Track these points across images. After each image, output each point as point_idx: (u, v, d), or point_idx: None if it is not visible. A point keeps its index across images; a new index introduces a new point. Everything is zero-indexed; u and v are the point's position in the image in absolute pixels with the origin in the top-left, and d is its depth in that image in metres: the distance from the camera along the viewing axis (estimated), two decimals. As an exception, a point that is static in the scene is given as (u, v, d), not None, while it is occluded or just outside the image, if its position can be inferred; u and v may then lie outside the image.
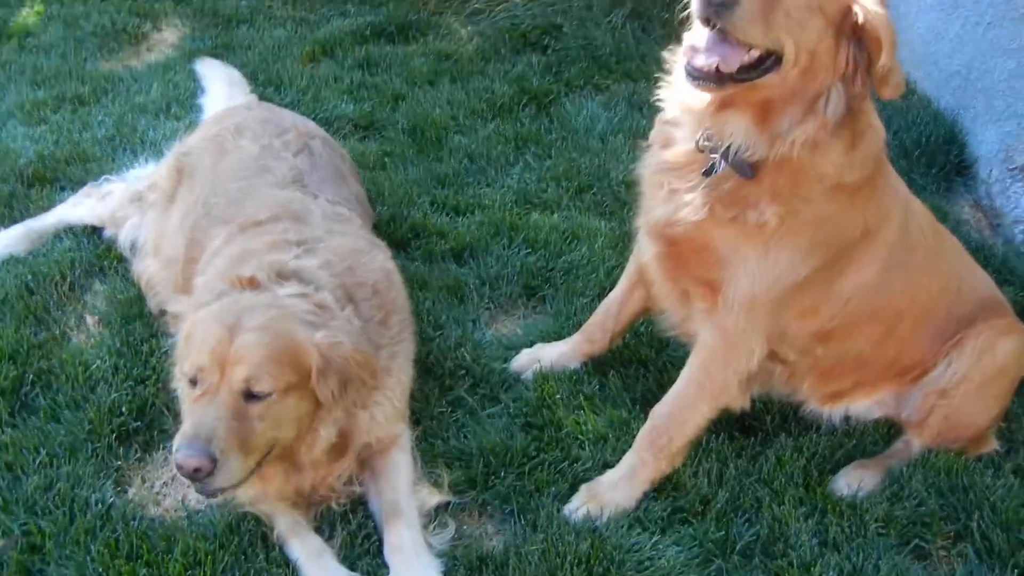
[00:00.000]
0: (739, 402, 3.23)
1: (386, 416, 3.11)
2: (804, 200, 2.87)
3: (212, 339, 2.73)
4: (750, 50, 2.66)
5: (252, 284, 2.97)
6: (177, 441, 2.68)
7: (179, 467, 2.63)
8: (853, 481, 3.33)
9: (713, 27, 2.62)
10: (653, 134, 3.17)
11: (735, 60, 2.66)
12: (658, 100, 3.10)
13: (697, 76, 2.68)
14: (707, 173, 2.91)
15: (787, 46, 2.65)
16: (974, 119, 4.96)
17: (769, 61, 2.68)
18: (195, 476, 2.62)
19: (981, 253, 4.35)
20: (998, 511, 3.21)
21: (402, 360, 3.21)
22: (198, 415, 2.69)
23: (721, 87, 2.71)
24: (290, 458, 2.93)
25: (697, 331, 3.18)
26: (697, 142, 2.93)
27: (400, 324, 3.24)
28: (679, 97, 2.99)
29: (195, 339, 2.78)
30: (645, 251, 3.24)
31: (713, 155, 2.89)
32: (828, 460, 3.42)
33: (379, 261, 3.42)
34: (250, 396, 2.71)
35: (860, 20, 2.65)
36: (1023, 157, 4.47)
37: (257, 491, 2.95)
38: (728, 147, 2.83)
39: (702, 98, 2.86)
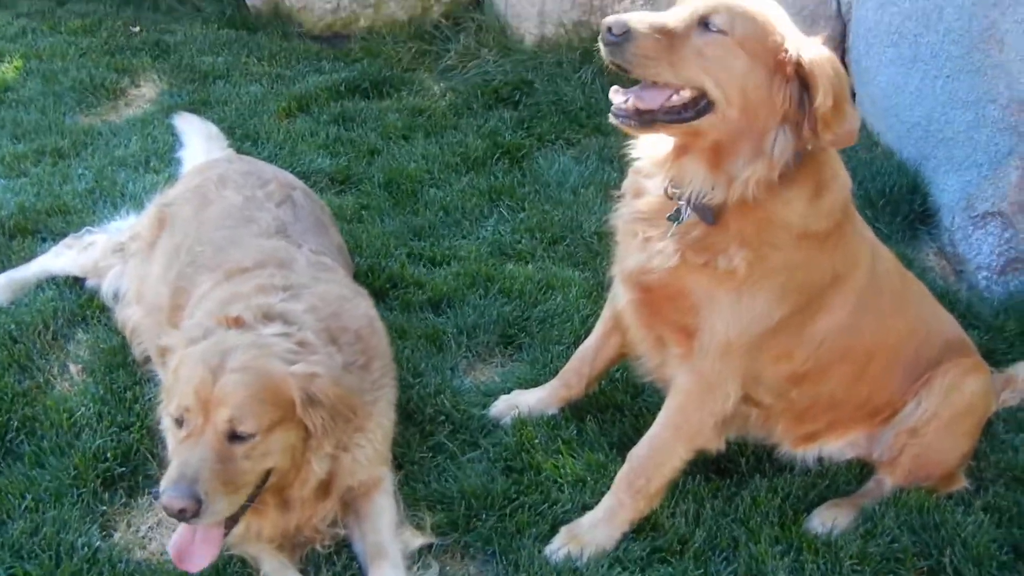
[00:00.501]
0: (714, 444, 3.31)
1: (368, 459, 3.16)
2: (772, 247, 2.97)
3: (196, 380, 2.79)
4: (678, 91, 2.79)
5: (238, 323, 3.04)
6: (164, 483, 2.73)
7: (166, 508, 2.69)
8: (827, 520, 3.39)
9: (617, 67, 2.77)
10: (625, 184, 3.28)
11: (655, 100, 2.80)
12: (628, 152, 3.23)
13: (618, 115, 2.82)
14: (673, 218, 3.01)
15: (707, 85, 2.76)
16: (935, 169, 5.11)
17: (704, 102, 2.79)
18: (181, 517, 2.67)
19: (946, 299, 4.45)
20: (969, 547, 3.27)
21: (383, 405, 3.28)
22: (184, 457, 2.74)
23: (647, 127, 2.85)
24: (281, 495, 2.98)
25: (673, 376, 3.26)
26: (665, 190, 3.04)
27: (382, 370, 3.30)
28: (646, 148, 3.12)
29: (181, 378, 2.84)
30: (620, 298, 3.33)
31: (680, 202, 3.00)
32: (802, 500, 3.48)
33: (362, 308, 3.49)
34: (235, 437, 2.77)
35: (794, 59, 2.75)
36: (984, 205, 4.61)
37: (246, 530, 2.99)
38: (690, 193, 2.95)
39: (664, 147, 3.00)
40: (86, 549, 3.08)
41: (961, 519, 3.39)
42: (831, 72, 2.76)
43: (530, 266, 4.70)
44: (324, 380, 2.90)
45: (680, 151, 2.96)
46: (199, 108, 5.84)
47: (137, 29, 7.30)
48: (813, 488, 3.54)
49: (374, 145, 5.79)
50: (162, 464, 3.26)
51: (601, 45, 2.78)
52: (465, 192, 5.32)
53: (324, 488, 3.06)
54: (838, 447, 3.63)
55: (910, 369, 3.47)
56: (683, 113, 2.83)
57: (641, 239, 3.13)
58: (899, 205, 5.10)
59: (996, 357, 4.18)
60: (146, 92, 6.48)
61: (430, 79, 6.72)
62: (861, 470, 3.63)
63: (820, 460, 3.64)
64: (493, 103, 6.35)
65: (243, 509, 2.84)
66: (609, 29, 2.73)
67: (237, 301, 3.23)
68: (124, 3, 7.81)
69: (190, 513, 2.66)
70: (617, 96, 2.86)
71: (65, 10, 7.73)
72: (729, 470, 3.62)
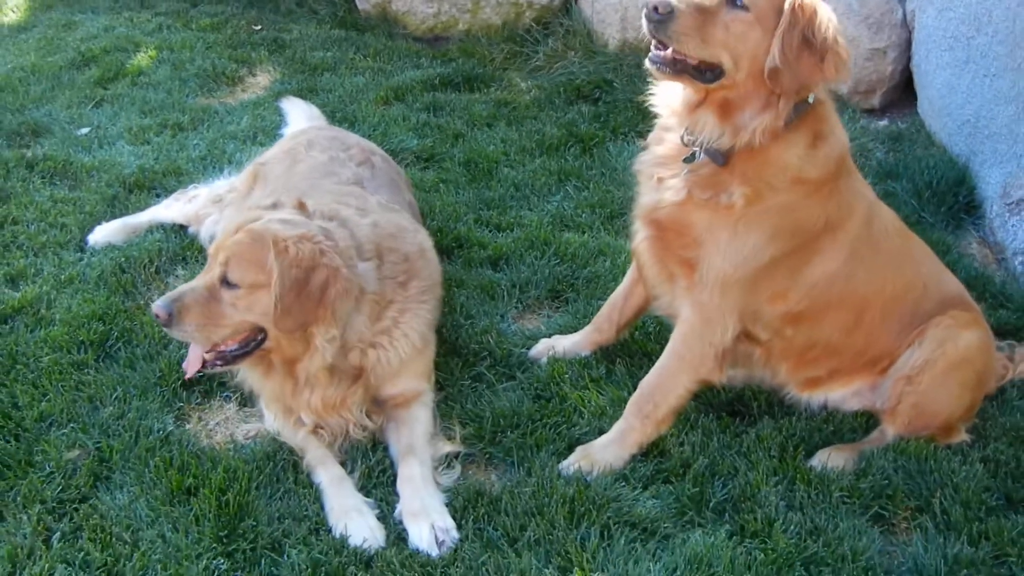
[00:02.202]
0: (716, 376, 3.60)
1: (400, 360, 3.61)
2: (769, 186, 3.32)
3: (221, 233, 3.42)
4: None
5: (303, 208, 3.55)
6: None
7: (153, 312, 3.35)
8: (827, 461, 3.61)
9: (659, 41, 3.18)
10: (650, 136, 3.67)
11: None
12: (651, 104, 3.61)
13: (655, 60, 3.21)
14: (687, 161, 3.40)
15: (724, 60, 3.17)
16: (982, 163, 5.33)
17: (719, 69, 3.20)
18: (158, 321, 3.37)
19: (980, 281, 4.69)
20: (960, 490, 3.45)
21: (413, 319, 3.68)
22: (187, 284, 3.40)
23: (677, 76, 3.23)
24: (290, 366, 3.49)
25: (679, 308, 3.59)
26: (682, 137, 3.43)
27: (419, 289, 3.72)
28: (665, 101, 3.52)
29: (218, 231, 3.42)
30: (637, 236, 3.69)
31: (695, 147, 3.38)
32: (806, 442, 3.71)
33: (419, 238, 3.96)
34: (225, 282, 3.33)
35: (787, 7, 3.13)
36: (1019, 192, 4.81)
37: (284, 416, 3.55)
38: (702, 139, 3.33)
39: (682, 99, 3.40)
40: (161, 432, 3.65)
41: (956, 467, 3.56)
42: (824, 12, 3.17)
43: (585, 235, 5.07)
44: (306, 246, 3.32)
45: (695, 104, 3.35)
46: (306, 95, 6.38)
47: (259, 27, 7.98)
48: (818, 432, 3.77)
49: (459, 130, 6.25)
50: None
51: (645, 22, 3.17)
52: (536, 172, 5.73)
53: (354, 375, 3.55)
54: (842, 395, 3.86)
55: (907, 321, 3.69)
56: (706, 74, 3.23)
57: (656, 179, 3.53)
58: (944, 197, 5.32)
59: (1022, 334, 4.38)
60: (261, 80, 7.11)
61: (518, 77, 7.15)
62: (867, 421, 3.84)
63: (826, 407, 3.87)
64: (574, 99, 6.74)
65: (242, 356, 3.44)
66: (655, 8, 3.12)
67: (315, 196, 3.79)
68: (249, 5, 8.52)
69: (162, 321, 3.33)
70: (656, 49, 3.26)
71: (197, 10, 8.49)
72: (741, 412, 3.91)
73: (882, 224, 3.66)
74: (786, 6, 3.14)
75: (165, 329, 3.39)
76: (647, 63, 3.27)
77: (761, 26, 3.15)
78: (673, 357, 3.61)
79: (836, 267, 3.53)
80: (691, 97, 3.36)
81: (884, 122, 6.42)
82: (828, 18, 3.18)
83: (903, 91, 6.55)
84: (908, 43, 6.30)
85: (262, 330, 3.41)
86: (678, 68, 3.22)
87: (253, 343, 3.42)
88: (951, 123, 5.66)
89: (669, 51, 3.20)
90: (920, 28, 6.08)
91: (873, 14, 6.35)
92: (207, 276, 3.38)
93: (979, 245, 5.19)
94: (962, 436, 3.79)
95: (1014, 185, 4.86)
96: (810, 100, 3.30)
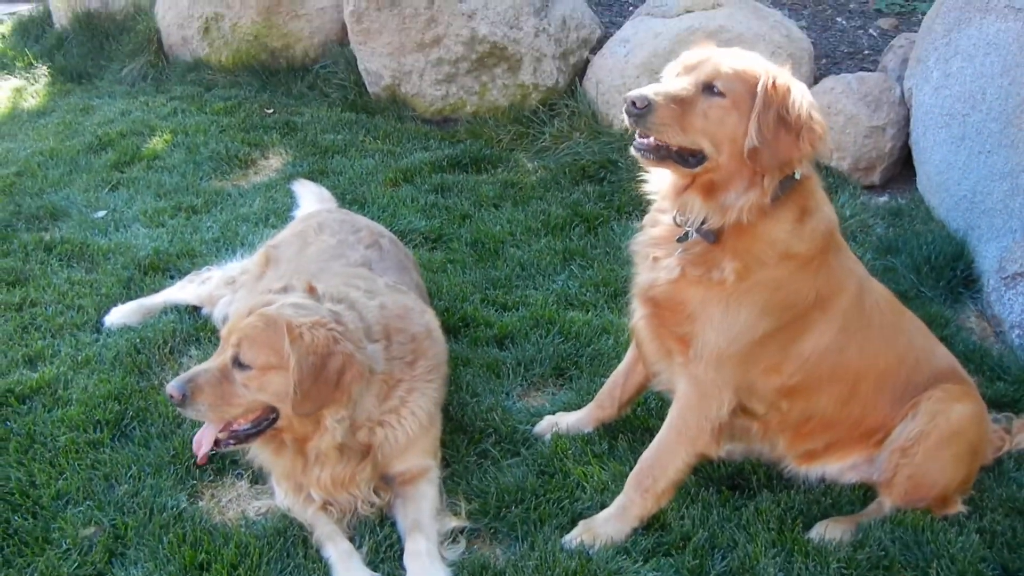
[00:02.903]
0: (713, 449, 3.68)
1: (407, 438, 3.73)
2: (758, 261, 3.44)
3: (234, 316, 3.55)
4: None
5: (312, 292, 3.70)
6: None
7: (167, 393, 3.47)
8: (824, 533, 3.67)
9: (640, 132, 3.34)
10: (646, 218, 3.80)
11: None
12: (645, 189, 3.76)
13: (639, 148, 3.37)
14: (681, 239, 3.54)
15: (704, 146, 3.31)
16: (979, 238, 5.45)
17: (700, 154, 3.34)
18: (172, 401, 3.49)
19: (978, 354, 4.80)
20: (956, 561, 3.49)
21: (421, 398, 3.80)
22: (200, 365, 3.53)
23: (660, 163, 3.39)
24: (301, 444, 3.60)
25: (676, 383, 3.70)
26: (674, 218, 3.56)
27: (426, 368, 3.85)
28: (657, 184, 3.66)
29: (230, 314, 3.58)
30: (635, 315, 3.80)
31: (688, 228, 3.52)
32: (804, 514, 3.77)
33: (425, 319, 4.09)
34: (237, 363, 3.44)
35: (768, 84, 3.27)
36: (1014, 266, 4.91)
37: (296, 494, 3.65)
38: (692, 220, 3.46)
39: (670, 183, 3.54)
40: (174, 509, 3.75)
41: (953, 538, 3.60)
42: (798, 90, 3.30)
43: (589, 313, 5.19)
44: (320, 332, 3.45)
45: (682, 188, 3.49)
46: (317, 177, 6.59)
47: (271, 111, 8.20)
48: (816, 504, 3.83)
49: (466, 211, 6.40)
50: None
51: (626, 116, 3.33)
52: (542, 251, 5.87)
53: (361, 452, 3.66)
54: (839, 468, 3.92)
55: (900, 394, 3.77)
56: (689, 160, 3.38)
57: (651, 259, 3.66)
58: (943, 271, 5.44)
59: (1020, 406, 4.48)
60: (273, 163, 7.30)
61: (525, 158, 7.31)
62: (865, 493, 3.89)
63: (824, 480, 3.93)
64: (579, 179, 6.89)
65: (254, 436, 3.56)
66: (633, 103, 3.28)
67: (324, 279, 3.93)
68: (261, 88, 8.74)
69: (176, 401, 3.44)
70: (640, 137, 3.41)
71: (211, 95, 8.71)
72: (740, 486, 3.98)
73: (873, 299, 3.75)
74: (759, 88, 3.27)
75: (179, 409, 3.51)
76: (632, 150, 3.41)
77: (738, 110, 3.29)
78: (671, 432, 3.70)
79: (828, 341, 3.62)
80: (678, 181, 3.50)
81: (884, 198, 6.55)
82: (801, 95, 3.31)
83: (903, 167, 6.72)
84: (906, 120, 6.48)
85: (274, 410, 3.52)
86: (661, 154, 3.36)
87: (265, 422, 3.54)
88: (949, 199, 5.81)
89: (652, 139, 3.34)
90: (917, 106, 6.25)
91: (872, 92, 6.54)
92: (220, 358, 3.50)
93: (977, 319, 5.28)
94: (958, 507, 3.84)
95: (1009, 259, 4.97)
96: (796, 176, 3.42)
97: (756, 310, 3.48)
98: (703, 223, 3.46)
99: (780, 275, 3.48)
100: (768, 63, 3.38)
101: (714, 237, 3.46)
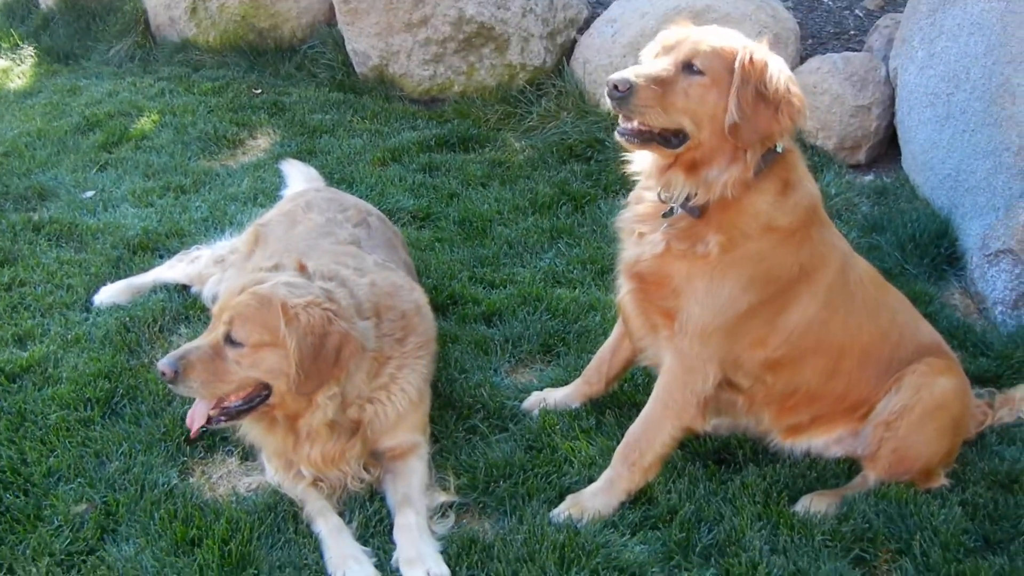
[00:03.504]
0: (699, 423, 3.72)
1: (396, 417, 3.76)
2: (742, 234, 3.48)
3: (226, 294, 3.57)
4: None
5: (302, 270, 3.71)
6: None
7: (159, 369, 3.48)
8: (809, 506, 3.72)
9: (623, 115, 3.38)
10: (631, 195, 3.84)
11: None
12: (629, 172, 3.79)
13: (623, 133, 3.41)
14: (667, 215, 3.58)
15: (686, 124, 3.36)
16: (963, 216, 5.50)
17: (683, 134, 3.39)
18: (163, 378, 3.46)
19: (961, 331, 4.85)
20: (939, 533, 3.55)
21: (410, 374, 3.84)
22: (192, 342, 3.55)
23: (644, 145, 3.44)
24: (292, 422, 3.63)
25: (662, 358, 3.74)
26: (659, 195, 3.60)
27: (416, 345, 3.88)
28: (641, 163, 3.70)
29: (221, 291, 3.59)
30: (621, 290, 3.84)
31: (673, 203, 3.55)
32: (790, 488, 3.82)
33: (414, 296, 4.12)
34: (229, 340, 3.47)
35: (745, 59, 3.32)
36: (996, 243, 4.96)
37: (286, 468, 3.67)
38: (677, 197, 3.50)
39: (653, 163, 3.59)
40: (165, 485, 3.78)
41: (936, 511, 3.65)
42: (775, 64, 3.36)
43: (577, 291, 5.22)
44: (316, 312, 3.48)
45: (666, 167, 3.53)
46: (305, 156, 6.58)
47: (259, 91, 8.18)
48: (802, 478, 3.88)
49: (454, 190, 6.42)
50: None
51: (608, 99, 3.37)
52: (529, 230, 5.89)
53: (351, 429, 3.69)
54: (824, 442, 3.97)
55: (884, 368, 3.81)
56: (671, 141, 3.42)
57: (637, 235, 3.70)
58: (927, 249, 5.48)
59: (1002, 381, 4.53)
60: (261, 143, 7.30)
61: (512, 137, 7.32)
62: (849, 467, 3.95)
63: (809, 454, 3.98)
64: (567, 158, 6.91)
65: (246, 412, 3.58)
66: (615, 87, 3.32)
67: (314, 257, 3.95)
68: (249, 69, 8.71)
69: (167, 378, 3.45)
70: (623, 122, 3.45)
71: (199, 75, 8.68)
72: (727, 460, 4.03)
73: (857, 274, 3.79)
74: (736, 64, 3.31)
75: (170, 386, 3.53)
76: (616, 135, 3.46)
77: (717, 87, 3.33)
78: (657, 405, 3.73)
79: (812, 314, 3.65)
80: (660, 160, 3.54)
81: (870, 177, 6.58)
82: (779, 69, 3.36)
83: (888, 146, 6.74)
84: (892, 100, 6.51)
85: (266, 387, 3.55)
86: (644, 138, 3.41)
87: (257, 399, 3.57)
88: (933, 177, 5.85)
89: (635, 122, 3.38)
90: (903, 85, 6.28)
91: (857, 72, 6.56)
92: (211, 335, 3.52)
93: (961, 295, 5.33)
94: (942, 480, 3.89)
95: (992, 237, 5.01)
96: (778, 149, 3.47)
97: (740, 283, 3.52)
98: (688, 200, 3.50)
99: (763, 247, 3.51)
100: (746, 39, 3.42)
101: (699, 212, 3.50)
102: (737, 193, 3.43)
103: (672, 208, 3.57)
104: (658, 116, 3.33)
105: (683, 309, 3.57)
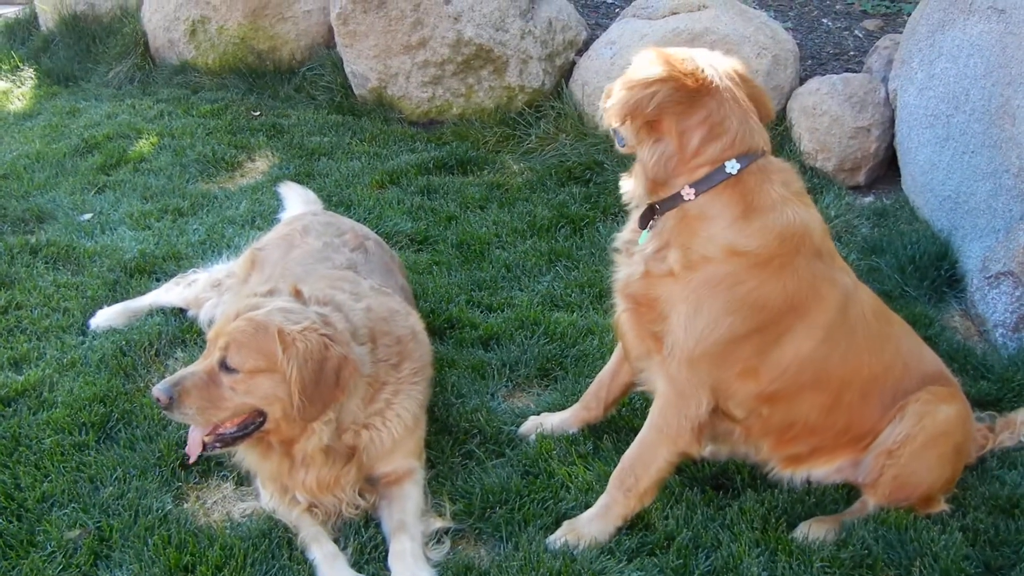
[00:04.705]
0: (695, 448, 3.68)
1: (391, 442, 3.74)
2: (702, 256, 3.47)
3: (221, 319, 3.55)
4: None
5: (298, 295, 3.69)
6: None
7: (154, 396, 3.47)
8: (808, 532, 3.68)
9: None
10: (630, 215, 3.83)
11: None
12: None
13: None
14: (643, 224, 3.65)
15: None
16: (963, 237, 5.49)
17: None
18: (159, 404, 3.45)
19: (962, 353, 4.81)
20: (939, 559, 3.50)
21: (406, 400, 3.81)
22: (186, 368, 3.53)
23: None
24: (288, 447, 3.61)
25: (656, 382, 3.70)
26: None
27: (412, 371, 3.86)
28: (626, 186, 3.77)
29: (216, 317, 3.58)
30: (616, 310, 3.82)
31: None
32: (788, 514, 3.78)
33: (410, 321, 4.10)
34: (224, 366, 3.44)
35: None
36: (997, 265, 4.94)
37: (281, 495, 3.64)
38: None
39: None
40: (160, 511, 3.75)
41: (936, 536, 3.62)
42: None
43: (575, 314, 5.20)
44: (312, 337, 3.46)
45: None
46: (303, 179, 6.58)
47: (258, 113, 8.20)
48: (800, 504, 3.84)
49: (452, 213, 6.41)
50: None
51: None
52: (528, 253, 5.88)
53: (346, 455, 3.67)
54: (825, 472, 3.92)
55: (888, 400, 3.76)
56: None
57: (627, 255, 3.71)
58: (927, 271, 5.47)
59: (1003, 404, 4.50)
60: (259, 165, 7.30)
61: (511, 159, 7.32)
62: (848, 493, 3.91)
63: (808, 483, 3.94)
64: (565, 180, 6.90)
65: (241, 438, 3.56)
66: None
67: (310, 282, 3.95)
68: (248, 91, 8.74)
69: (163, 405, 3.44)
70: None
71: (198, 97, 8.71)
72: (725, 485, 3.99)
73: (859, 311, 3.70)
74: None
75: (165, 412, 3.51)
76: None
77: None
78: (652, 430, 3.70)
79: (808, 350, 3.59)
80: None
81: (869, 198, 6.58)
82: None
83: (887, 168, 6.75)
84: (891, 121, 6.52)
85: (261, 413, 3.52)
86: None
87: (252, 426, 3.54)
88: (933, 199, 5.84)
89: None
90: (902, 107, 6.29)
91: (857, 93, 6.57)
92: (207, 361, 3.50)
93: (961, 318, 5.31)
94: (942, 506, 3.86)
95: (993, 259, 5.00)
96: (728, 169, 3.44)
97: (717, 307, 3.47)
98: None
99: (733, 271, 3.46)
100: None
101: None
102: (694, 209, 3.49)
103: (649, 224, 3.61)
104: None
105: (668, 334, 3.55)
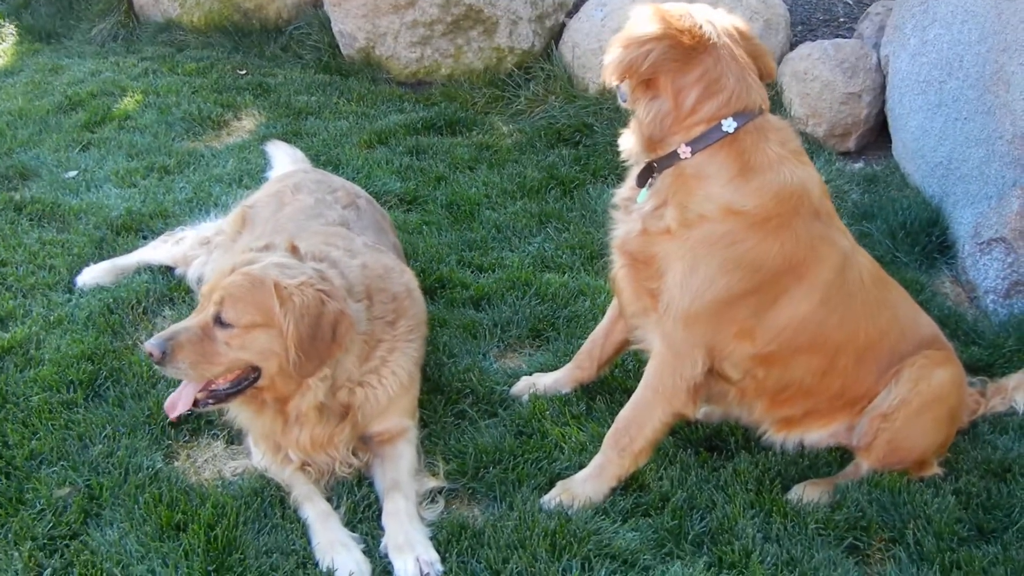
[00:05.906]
0: (690, 409, 3.66)
1: (386, 400, 3.71)
2: (698, 214, 3.44)
3: (215, 274, 3.51)
4: None
5: (294, 251, 3.65)
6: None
7: (145, 349, 3.42)
8: (802, 495, 3.70)
9: None
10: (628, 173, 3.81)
11: None
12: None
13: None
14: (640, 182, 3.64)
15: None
16: (954, 204, 5.48)
17: None
18: (151, 359, 3.38)
19: (952, 319, 4.82)
20: (932, 522, 3.53)
21: (401, 358, 3.78)
22: (180, 323, 3.47)
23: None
24: (282, 405, 3.57)
25: (651, 341, 3.69)
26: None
27: (407, 328, 3.82)
28: (625, 144, 3.72)
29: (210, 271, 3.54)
30: (614, 266, 3.79)
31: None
32: (783, 476, 3.80)
33: (405, 278, 4.06)
34: (219, 321, 3.40)
35: None
36: (989, 232, 4.94)
37: (274, 453, 3.61)
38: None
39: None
40: (150, 469, 3.71)
41: (929, 499, 3.64)
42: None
43: (566, 276, 5.17)
44: (309, 292, 3.42)
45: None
46: (291, 138, 6.50)
47: (244, 72, 8.09)
48: (794, 466, 3.86)
49: (441, 173, 6.36)
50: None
51: None
52: (518, 214, 5.84)
53: (340, 413, 3.64)
54: (819, 436, 3.93)
55: (884, 364, 3.76)
56: None
57: (625, 212, 3.69)
58: (918, 237, 5.46)
59: (994, 370, 4.51)
60: (246, 124, 7.21)
61: (500, 121, 7.27)
62: (842, 456, 3.92)
63: (802, 446, 3.94)
64: (555, 142, 6.86)
65: (234, 395, 3.51)
66: None
67: (305, 238, 3.89)
68: (234, 49, 8.62)
69: (155, 359, 3.37)
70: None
71: (183, 55, 8.60)
72: (719, 447, 4.00)
73: (857, 273, 3.69)
74: None
75: (157, 367, 3.45)
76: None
77: None
78: (647, 390, 3.69)
79: (805, 312, 3.58)
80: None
81: (860, 164, 6.56)
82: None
83: (878, 134, 6.72)
84: (882, 87, 6.49)
85: (255, 369, 3.48)
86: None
87: (245, 382, 3.50)
88: (924, 165, 5.83)
89: None
90: (894, 73, 6.26)
91: (848, 59, 6.53)
92: (200, 315, 3.45)
93: (952, 284, 5.31)
94: (935, 469, 3.88)
95: (984, 225, 4.99)
96: (726, 129, 3.41)
97: (714, 265, 3.45)
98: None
99: (730, 230, 3.44)
100: None
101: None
102: (691, 167, 3.47)
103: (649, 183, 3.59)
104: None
105: (664, 291, 3.53)
